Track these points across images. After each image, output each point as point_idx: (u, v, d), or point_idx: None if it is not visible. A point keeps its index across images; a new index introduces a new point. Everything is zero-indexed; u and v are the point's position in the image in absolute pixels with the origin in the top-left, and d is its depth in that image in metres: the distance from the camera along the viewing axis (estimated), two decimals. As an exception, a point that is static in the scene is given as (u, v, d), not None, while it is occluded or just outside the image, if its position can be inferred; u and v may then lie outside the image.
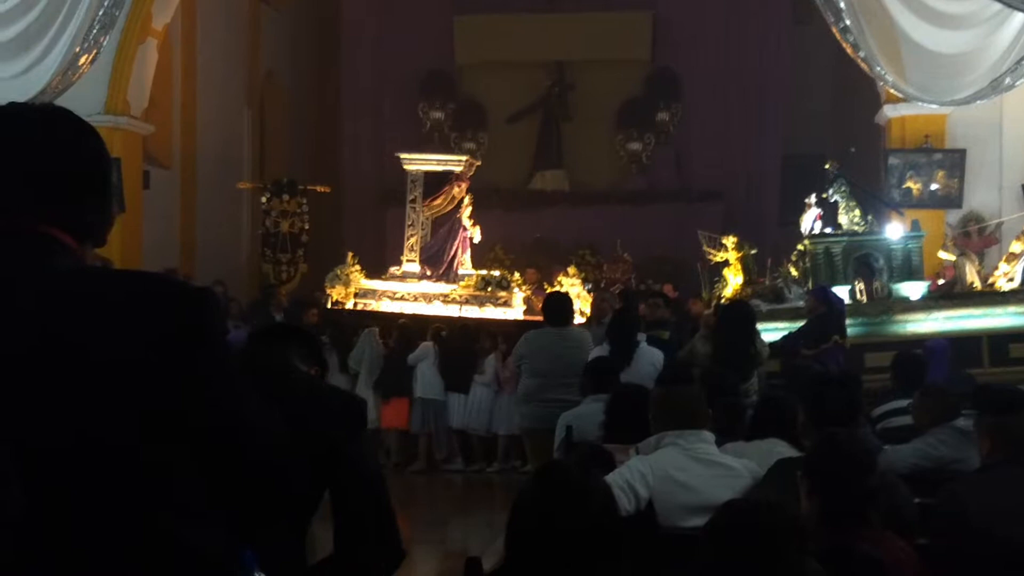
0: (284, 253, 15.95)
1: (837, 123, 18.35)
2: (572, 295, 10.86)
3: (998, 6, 11.76)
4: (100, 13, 12.58)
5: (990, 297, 11.62)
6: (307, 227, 15.97)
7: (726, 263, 13.24)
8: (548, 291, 14.74)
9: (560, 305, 8.00)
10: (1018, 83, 12.20)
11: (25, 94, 11.47)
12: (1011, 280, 11.83)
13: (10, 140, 1.72)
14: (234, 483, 1.74)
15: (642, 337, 7.80)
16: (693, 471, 3.81)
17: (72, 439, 1.57)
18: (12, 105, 1.80)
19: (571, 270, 14.96)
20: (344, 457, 2.26)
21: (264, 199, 16.18)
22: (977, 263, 12.29)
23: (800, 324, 9.92)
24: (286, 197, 16.00)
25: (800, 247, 12.67)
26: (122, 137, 12.97)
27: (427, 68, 19.78)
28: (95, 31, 12.63)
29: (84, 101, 12.13)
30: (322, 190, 16.36)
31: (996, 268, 12.11)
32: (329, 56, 20.23)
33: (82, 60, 12.72)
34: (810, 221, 12.63)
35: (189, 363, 1.63)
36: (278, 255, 15.95)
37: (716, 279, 13.39)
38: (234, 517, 1.73)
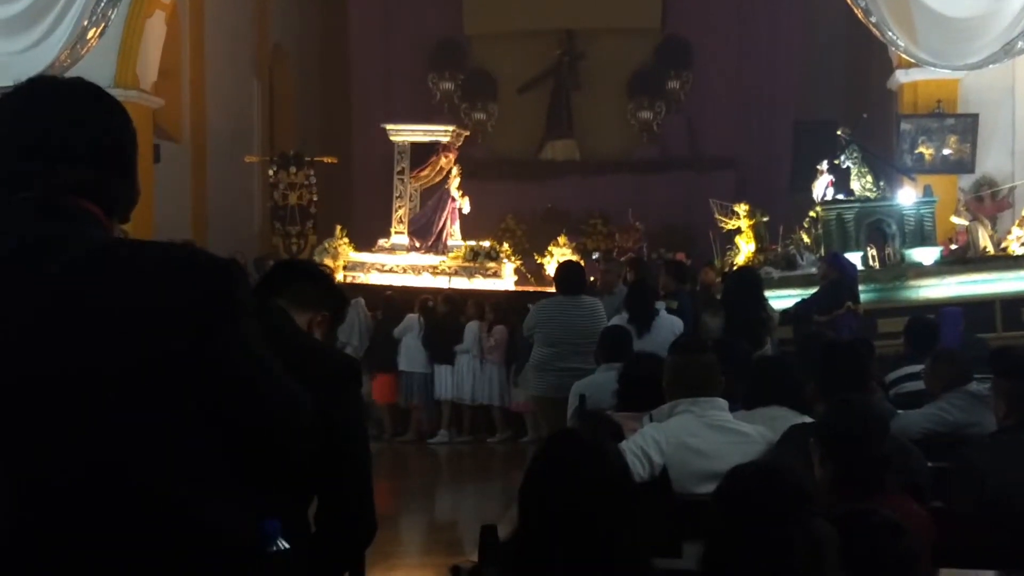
0: (293, 225, 15.96)
1: (849, 89, 18.23)
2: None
3: (1011, -31, 11.65)
4: (108, -14, 12.56)
5: (1003, 261, 11.59)
6: (315, 198, 15.97)
7: (738, 231, 13.22)
8: (537, 260, 14.82)
9: (572, 274, 8.00)
10: (1031, 47, 12.10)
11: (33, 68, 11.45)
12: (1024, 244, 11.80)
13: (41, 113, 1.72)
14: (255, 454, 1.75)
15: (661, 305, 7.81)
16: (707, 438, 3.81)
17: (86, 422, 1.58)
18: (41, 80, 1.79)
19: (561, 239, 14.98)
20: (334, 425, 2.18)
21: (271, 172, 16.18)
22: (990, 228, 12.26)
23: (813, 291, 9.91)
24: (293, 169, 16.00)
25: (812, 214, 12.65)
26: (132, 111, 12.48)
27: (436, 38, 19.71)
28: (103, 4, 12.61)
29: (93, 75, 11.92)
30: (329, 161, 16.35)
31: (1009, 232, 12.08)
32: (337, 26, 20.15)
33: (90, 34, 12.71)
34: (822, 187, 12.59)
35: (214, 333, 1.64)
36: (287, 227, 15.96)
37: (728, 247, 13.37)
38: (256, 488, 1.73)
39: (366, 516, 2.40)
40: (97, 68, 12.45)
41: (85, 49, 12.77)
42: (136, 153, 1.82)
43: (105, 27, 12.82)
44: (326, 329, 2.58)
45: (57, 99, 1.75)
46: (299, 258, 12.48)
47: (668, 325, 7.53)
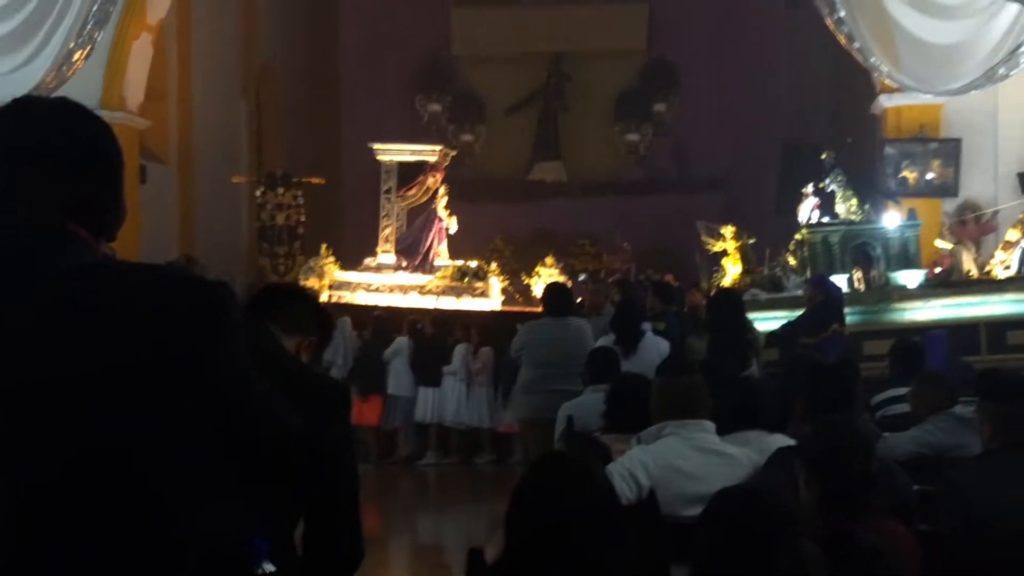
0: (281, 246, 15.92)
1: (834, 113, 18.34)
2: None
3: (992, -4, 11.78)
4: (94, 8, 12.56)
5: (987, 285, 11.66)
6: (303, 219, 15.95)
7: (725, 253, 13.26)
8: (525, 281, 14.85)
9: (559, 295, 8.01)
10: (1012, 73, 12.21)
11: (19, 90, 11.34)
12: (1007, 268, 11.87)
13: (27, 134, 1.72)
14: (245, 473, 1.75)
15: (647, 327, 7.80)
16: (695, 460, 3.82)
17: (83, 424, 1.59)
18: (26, 98, 1.79)
19: (548, 260, 15.00)
20: (323, 449, 2.19)
21: (258, 192, 16.15)
22: (974, 251, 12.33)
23: (799, 313, 9.94)
24: (280, 190, 15.98)
25: (798, 236, 12.70)
26: (118, 132, 12.31)
27: (424, 60, 19.78)
28: (89, 26, 12.61)
29: (79, 96, 11.65)
30: (316, 182, 16.34)
31: (992, 256, 12.14)
32: (325, 47, 20.20)
33: (76, 56, 12.71)
34: (808, 210, 12.67)
35: (202, 353, 1.64)
36: (275, 248, 15.93)
37: (715, 269, 13.41)
38: (244, 504, 1.74)
39: (353, 541, 2.40)
40: (83, 89, 12.41)
41: (71, 71, 12.76)
42: (123, 170, 1.82)
43: (91, 49, 12.82)
44: (313, 353, 2.59)
45: (42, 113, 1.75)
46: (287, 281, 12.43)
47: (654, 346, 7.53)
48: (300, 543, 2.38)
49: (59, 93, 11.51)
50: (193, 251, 15.40)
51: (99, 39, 12.87)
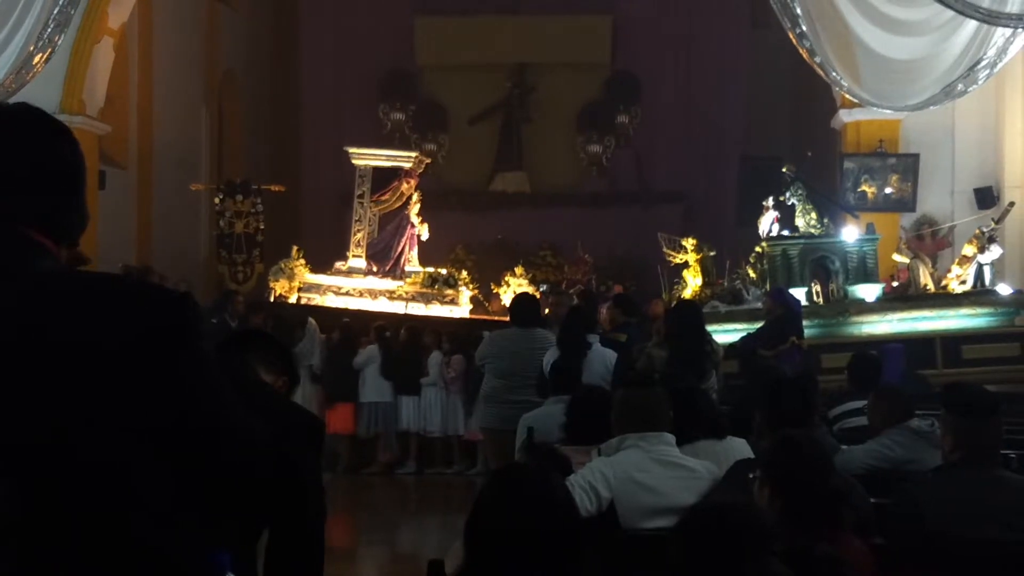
0: (239, 254, 15.79)
1: (794, 127, 18.54)
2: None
3: (951, 13, 11.96)
4: (55, 12, 12.44)
5: (943, 299, 11.82)
6: (262, 227, 15.83)
7: (686, 265, 13.33)
8: (494, 290, 14.84)
9: (526, 306, 7.98)
10: (970, 89, 12.41)
11: (-23, 92, 11.31)
12: (963, 283, 12.03)
13: None
14: (212, 485, 1.73)
15: (594, 338, 7.67)
16: (655, 473, 3.83)
17: (46, 437, 1.57)
18: None
19: (518, 270, 15.00)
20: (295, 471, 2.22)
21: (217, 200, 16.02)
22: (930, 266, 12.49)
23: (758, 325, 10.01)
24: (240, 197, 15.85)
25: (758, 249, 12.80)
26: (77, 137, 12.67)
27: (387, 68, 19.76)
28: (50, 30, 12.48)
29: (39, 100, 11.77)
30: (276, 189, 16.23)
31: (949, 271, 12.31)
32: (288, 55, 20.12)
33: (36, 59, 12.56)
34: (767, 223, 12.77)
35: (169, 364, 1.63)
36: (233, 256, 15.79)
37: (676, 280, 13.49)
38: (208, 519, 1.72)
39: (315, 566, 2.42)
40: (43, 93, 12.29)
41: (31, 75, 12.61)
42: (85, 177, 1.81)
43: (52, 53, 12.68)
44: (285, 394, 2.73)
45: (5, 126, 1.74)
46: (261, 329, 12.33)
47: (601, 358, 7.42)
48: (264, 568, 2.39)
49: (18, 96, 11.44)
50: (151, 258, 15.26)
51: (60, 43, 12.73)
